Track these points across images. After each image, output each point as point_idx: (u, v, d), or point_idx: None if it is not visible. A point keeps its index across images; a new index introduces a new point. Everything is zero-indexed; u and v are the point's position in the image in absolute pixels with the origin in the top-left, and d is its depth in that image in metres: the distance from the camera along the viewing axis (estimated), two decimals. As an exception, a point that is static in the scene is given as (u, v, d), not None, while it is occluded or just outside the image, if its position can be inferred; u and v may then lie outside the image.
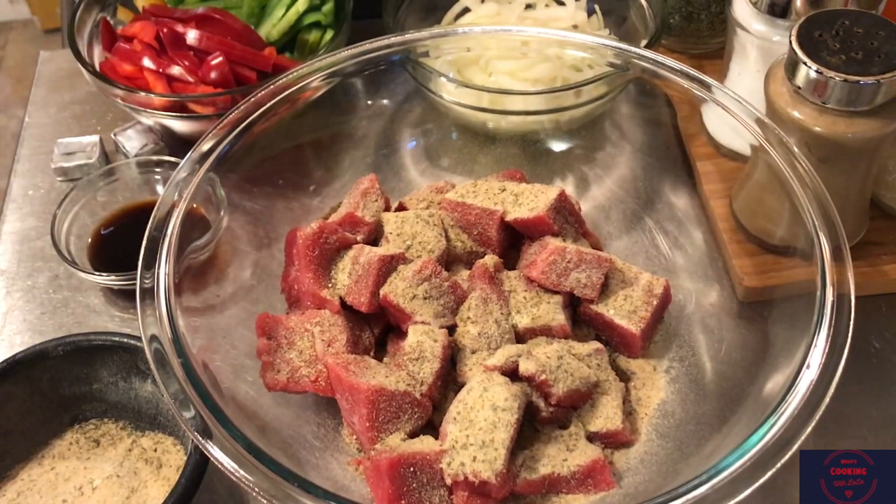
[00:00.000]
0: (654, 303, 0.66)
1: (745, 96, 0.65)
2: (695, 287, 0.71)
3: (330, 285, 0.67)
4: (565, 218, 0.69)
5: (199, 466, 0.57)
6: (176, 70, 0.81)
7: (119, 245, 0.77)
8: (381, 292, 0.64)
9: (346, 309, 0.66)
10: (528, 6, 0.89)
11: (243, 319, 0.66)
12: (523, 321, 0.65)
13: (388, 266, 0.65)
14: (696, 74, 0.66)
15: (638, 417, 0.64)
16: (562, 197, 0.68)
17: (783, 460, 0.47)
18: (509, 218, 0.68)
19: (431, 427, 0.61)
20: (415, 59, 0.74)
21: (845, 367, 0.50)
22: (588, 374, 0.61)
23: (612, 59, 0.71)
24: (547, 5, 0.90)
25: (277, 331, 0.64)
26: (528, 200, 0.68)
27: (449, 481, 0.56)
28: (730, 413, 0.58)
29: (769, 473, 0.47)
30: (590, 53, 0.74)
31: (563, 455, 0.59)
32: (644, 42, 0.81)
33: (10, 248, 0.81)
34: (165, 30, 0.81)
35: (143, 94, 0.78)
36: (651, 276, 0.67)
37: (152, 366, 0.53)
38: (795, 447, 0.48)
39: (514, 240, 0.71)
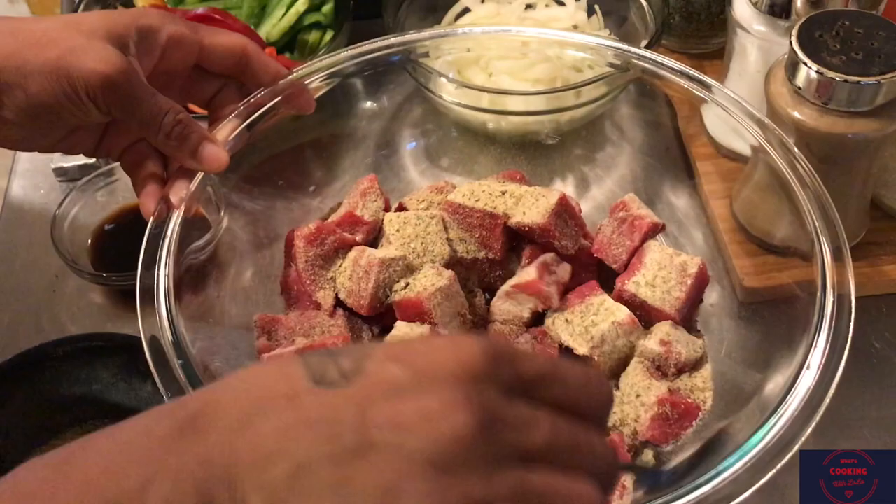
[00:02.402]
0: (689, 282, 0.65)
1: (745, 96, 0.64)
2: (695, 287, 0.71)
3: (328, 286, 0.67)
4: (566, 222, 0.68)
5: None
6: (176, 70, 0.80)
7: (119, 245, 0.77)
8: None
9: (345, 309, 0.66)
10: (528, 6, 0.89)
11: (244, 320, 0.66)
12: None
13: (388, 269, 0.65)
14: (696, 74, 0.66)
15: (638, 418, 0.64)
16: (562, 201, 0.67)
17: (784, 461, 0.47)
18: (511, 222, 0.68)
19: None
20: (415, 60, 0.74)
21: (845, 367, 0.50)
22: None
23: (612, 60, 0.71)
24: (547, 5, 0.90)
25: (278, 331, 0.64)
26: (528, 205, 0.68)
27: None
28: (730, 413, 0.58)
29: (770, 474, 0.47)
30: (590, 54, 0.73)
31: None
32: (644, 42, 0.81)
33: (10, 248, 0.80)
34: (165, 30, 0.81)
35: (142, 94, 0.78)
36: (686, 257, 0.67)
37: (152, 367, 0.53)
38: (796, 448, 0.48)
39: (513, 241, 0.71)
